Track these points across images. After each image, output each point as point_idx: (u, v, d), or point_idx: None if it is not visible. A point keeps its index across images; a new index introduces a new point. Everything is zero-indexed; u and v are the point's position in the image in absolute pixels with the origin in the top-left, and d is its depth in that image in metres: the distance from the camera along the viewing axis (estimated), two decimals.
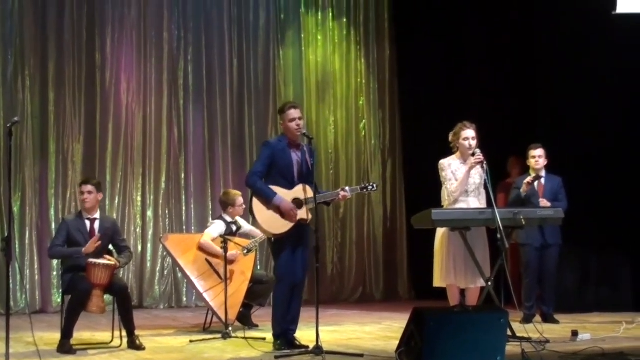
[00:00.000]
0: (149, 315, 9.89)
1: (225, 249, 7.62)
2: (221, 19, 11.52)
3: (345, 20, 12.24)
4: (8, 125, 5.90)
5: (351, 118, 12.17)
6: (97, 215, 7.18)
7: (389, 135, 12.31)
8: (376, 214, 12.13)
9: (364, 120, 12.23)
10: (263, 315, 8.13)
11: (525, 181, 8.35)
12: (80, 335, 7.36)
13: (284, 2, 11.92)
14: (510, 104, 10.82)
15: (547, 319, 8.51)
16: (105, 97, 10.84)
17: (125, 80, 10.96)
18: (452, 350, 5.47)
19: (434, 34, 11.76)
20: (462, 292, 7.23)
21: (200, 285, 8.07)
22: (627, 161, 9.46)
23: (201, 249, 8.14)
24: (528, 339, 6.55)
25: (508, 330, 6.21)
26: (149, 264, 10.86)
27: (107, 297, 7.16)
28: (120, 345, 7.04)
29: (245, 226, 8.43)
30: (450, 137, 7.27)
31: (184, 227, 11.06)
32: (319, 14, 12.10)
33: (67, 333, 6.78)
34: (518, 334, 6.71)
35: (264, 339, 7.19)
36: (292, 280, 6.62)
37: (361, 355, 6.35)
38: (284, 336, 6.63)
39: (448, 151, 7.30)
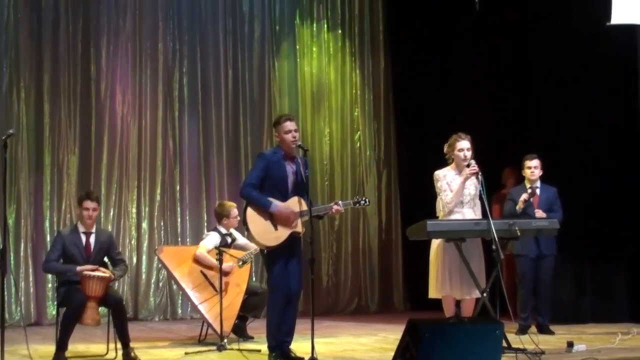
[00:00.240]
0: (144, 328, 9.86)
1: (220, 261, 7.61)
2: (216, 30, 11.53)
3: (340, 31, 12.26)
4: (3, 138, 5.91)
5: (346, 129, 12.17)
6: (93, 229, 7.16)
7: (384, 146, 12.32)
8: (371, 226, 12.12)
9: (359, 132, 12.24)
10: (258, 327, 8.10)
11: (522, 199, 8.34)
12: (75, 347, 7.35)
13: (279, 14, 11.93)
14: (505, 115, 10.84)
15: (543, 329, 8.50)
16: (100, 109, 10.85)
17: (120, 92, 10.96)
18: None
19: (429, 45, 11.77)
20: (458, 303, 7.23)
21: (195, 297, 8.05)
22: (622, 172, 9.45)
23: (196, 260, 8.13)
24: (523, 350, 6.55)
25: (503, 341, 6.22)
26: (144, 276, 10.85)
27: (102, 310, 7.13)
28: (115, 357, 7.03)
29: (240, 239, 8.41)
30: (445, 149, 7.28)
31: (179, 239, 11.06)
32: (314, 25, 12.12)
33: (62, 345, 6.75)
34: (513, 345, 6.68)
35: (259, 350, 7.18)
36: (285, 292, 6.59)
37: None
38: (279, 348, 6.60)
39: (443, 162, 7.31)
